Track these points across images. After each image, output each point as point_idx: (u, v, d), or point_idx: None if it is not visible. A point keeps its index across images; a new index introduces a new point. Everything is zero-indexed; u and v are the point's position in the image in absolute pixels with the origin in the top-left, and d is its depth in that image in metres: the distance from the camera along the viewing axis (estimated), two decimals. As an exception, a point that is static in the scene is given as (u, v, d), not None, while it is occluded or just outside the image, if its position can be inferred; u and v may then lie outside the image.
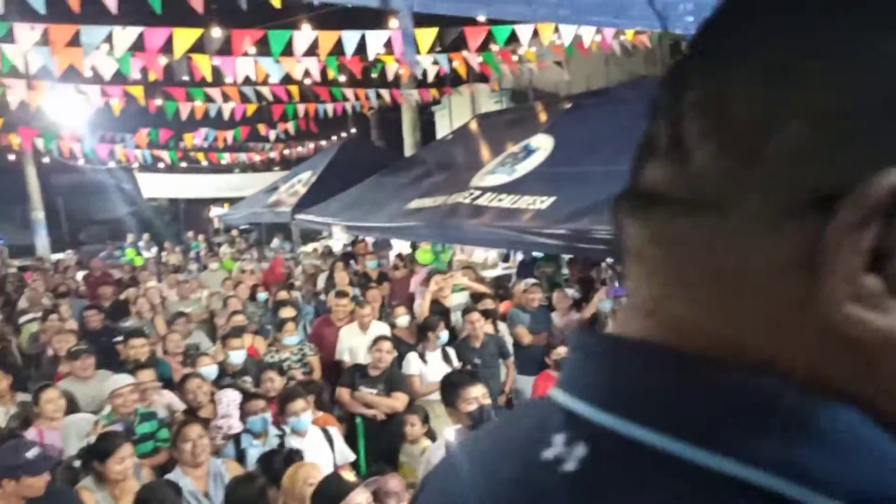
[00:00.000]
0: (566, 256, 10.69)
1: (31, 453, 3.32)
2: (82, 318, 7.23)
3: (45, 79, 8.25)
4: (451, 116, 18.88)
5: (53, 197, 23.10)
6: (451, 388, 3.21)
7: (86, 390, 5.07)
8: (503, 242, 8.40)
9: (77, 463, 3.75)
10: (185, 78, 8.54)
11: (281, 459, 3.41)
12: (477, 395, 3.15)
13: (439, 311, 6.49)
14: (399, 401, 5.12)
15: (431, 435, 4.74)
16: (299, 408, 4.16)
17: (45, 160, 17.62)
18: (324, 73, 9.19)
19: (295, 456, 3.48)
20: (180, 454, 3.76)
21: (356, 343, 6.04)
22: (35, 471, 3.25)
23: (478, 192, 8.42)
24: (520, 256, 12.16)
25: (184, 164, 18.25)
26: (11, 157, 17.86)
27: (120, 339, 6.33)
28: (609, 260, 9.34)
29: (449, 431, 2.65)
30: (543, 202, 7.20)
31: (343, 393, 5.24)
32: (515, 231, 7.24)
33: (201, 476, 3.76)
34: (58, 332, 6.62)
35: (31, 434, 4.22)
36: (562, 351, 5.31)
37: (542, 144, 8.68)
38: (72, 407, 4.77)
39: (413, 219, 9.15)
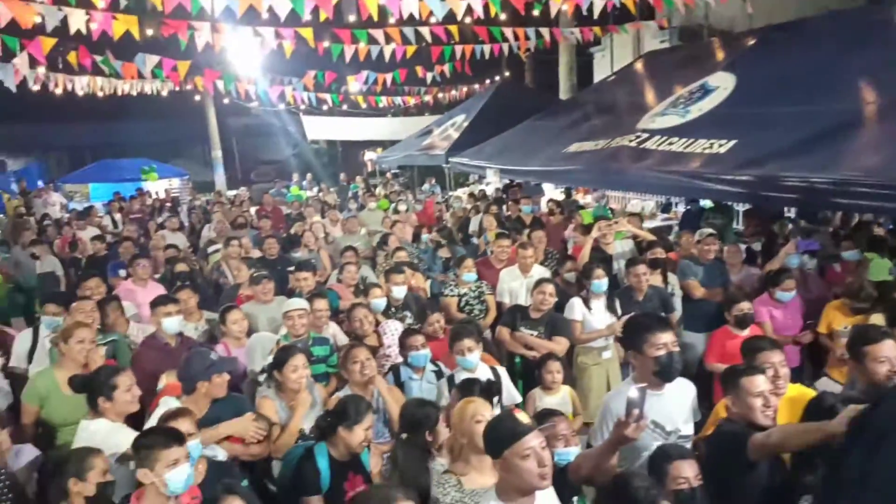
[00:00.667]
0: (739, 209, 9.89)
1: (215, 355, 3.66)
2: (260, 247, 7.76)
3: (227, 21, 8.72)
4: (612, 58, 17.90)
5: (229, 138, 25.03)
6: (638, 330, 2.98)
7: (266, 313, 5.41)
8: (672, 189, 7.86)
9: (261, 377, 4.01)
10: (352, 18, 8.65)
11: (479, 388, 3.42)
12: (667, 340, 2.92)
13: (601, 258, 6.20)
14: (560, 345, 5.00)
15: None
16: (468, 346, 4.16)
17: (225, 101, 18.96)
18: (486, 10, 8.93)
19: (493, 386, 3.47)
20: (349, 374, 3.90)
21: (516, 285, 5.96)
22: (220, 369, 3.56)
23: (644, 135, 7.88)
24: (682, 207, 11.43)
25: (344, 107, 18.91)
26: (197, 98, 19.44)
27: (292, 268, 6.71)
28: (791, 213, 8.49)
29: (631, 389, 2.45)
30: (721, 146, 6.58)
31: (503, 332, 5.18)
32: (687, 177, 6.69)
33: (369, 396, 3.89)
34: (237, 258, 7.15)
35: (218, 350, 4.57)
36: (744, 306, 4.86)
37: (722, 83, 7.91)
38: (251, 329, 5.13)
39: (572, 162, 8.81)
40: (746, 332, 4.80)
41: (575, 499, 2.89)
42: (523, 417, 2.37)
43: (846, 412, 2.28)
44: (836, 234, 7.39)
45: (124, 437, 3.19)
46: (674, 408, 3.02)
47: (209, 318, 5.47)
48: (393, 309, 5.58)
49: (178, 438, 2.79)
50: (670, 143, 7.33)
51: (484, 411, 2.81)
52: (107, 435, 3.30)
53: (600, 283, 5.19)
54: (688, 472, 2.58)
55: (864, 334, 3.14)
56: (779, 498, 2.69)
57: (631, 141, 7.91)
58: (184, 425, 3.03)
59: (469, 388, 3.39)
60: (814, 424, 2.51)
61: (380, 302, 5.39)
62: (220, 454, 3.33)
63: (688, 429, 3.10)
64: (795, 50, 7.97)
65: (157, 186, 18.68)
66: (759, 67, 7.99)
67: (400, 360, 4.61)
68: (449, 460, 2.86)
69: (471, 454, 2.76)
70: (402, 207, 12.05)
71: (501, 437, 2.33)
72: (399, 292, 5.61)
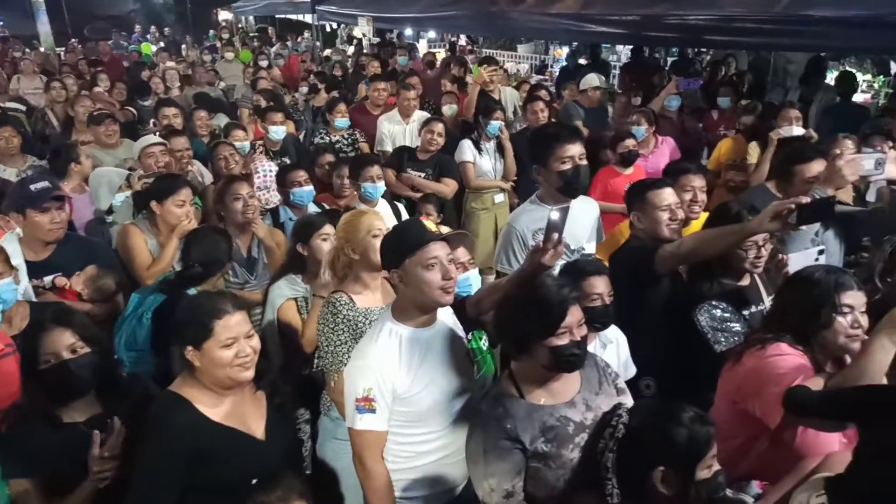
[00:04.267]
0: (615, 65, 9.89)
1: (40, 185, 2.90)
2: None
3: None
4: None
5: (54, -14, 21.42)
6: (544, 141, 2.73)
7: (111, 159, 4.67)
8: (555, 33, 7.58)
9: (109, 218, 3.42)
10: None
11: (339, 215, 3.10)
12: (574, 153, 2.69)
13: (489, 103, 5.92)
14: (448, 186, 4.76)
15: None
16: (374, 174, 3.83)
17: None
18: None
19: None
20: (228, 212, 3.40)
21: (398, 129, 5.54)
22: (39, 203, 2.83)
23: (527, -22, 7.47)
24: (557, 67, 11.33)
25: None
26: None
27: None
28: (668, 65, 8.55)
29: (552, 210, 2.17)
30: (608, -14, 6.32)
31: (388, 173, 4.79)
32: (570, 19, 6.44)
33: (247, 239, 3.45)
34: (63, 103, 6.14)
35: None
36: (630, 143, 4.76)
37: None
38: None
39: (452, 8, 8.25)
40: (630, 171, 4.75)
41: (472, 334, 2.70)
42: (430, 225, 2.07)
43: (771, 207, 2.18)
44: (709, 85, 7.54)
45: None
46: (579, 225, 2.86)
47: (37, 164, 4.63)
48: (271, 154, 5.06)
49: None
50: (555, -14, 6.97)
51: (380, 225, 2.46)
52: None
53: (497, 124, 4.91)
54: (601, 288, 2.46)
55: (798, 151, 3.07)
56: (679, 308, 2.66)
57: (513, -17, 7.47)
58: None
59: (333, 216, 3.08)
60: (732, 226, 2.42)
61: (242, 146, 4.82)
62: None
63: (591, 247, 2.98)
64: None
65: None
66: None
67: (276, 203, 4.18)
68: (335, 280, 2.54)
69: (362, 272, 2.44)
70: (262, 63, 10.91)
71: (404, 243, 2.01)
72: (277, 133, 5.05)
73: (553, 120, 5.77)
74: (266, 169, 4.28)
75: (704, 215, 3.34)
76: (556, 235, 2.07)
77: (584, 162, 2.73)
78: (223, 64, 10.23)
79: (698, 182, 3.17)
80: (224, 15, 22.30)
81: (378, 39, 12.25)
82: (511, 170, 5.00)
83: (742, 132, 5.00)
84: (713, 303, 2.55)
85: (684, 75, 7.81)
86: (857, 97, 7.87)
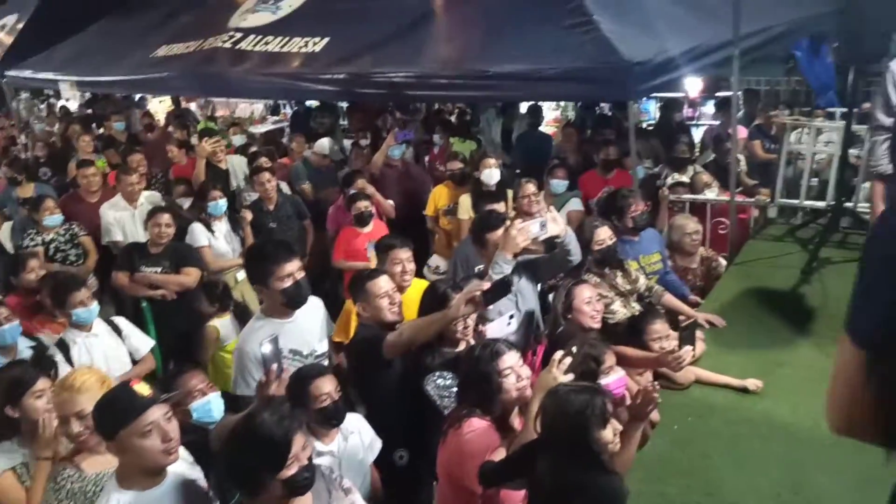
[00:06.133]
0: (344, 105, 10.23)
1: None
2: None
3: None
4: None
5: None
6: (261, 263, 2.86)
7: None
8: (274, 92, 7.68)
9: None
10: None
11: (34, 360, 2.90)
12: (292, 269, 2.83)
13: (217, 175, 5.86)
14: (190, 276, 4.57)
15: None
16: (84, 297, 3.56)
17: None
18: None
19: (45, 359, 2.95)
20: None
21: (125, 216, 5.22)
22: None
23: (238, 35, 7.40)
24: (290, 108, 11.41)
25: None
26: None
27: None
28: (390, 106, 9.08)
29: (264, 344, 2.33)
30: (316, 44, 6.57)
31: (121, 277, 4.52)
32: (288, 78, 6.61)
33: None
34: None
35: None
36: (362, 205, 5.04)
37: (309, -26, 7.78)
38: None
39: (163, 69, 7.90)
40: (368, 229, 5.04)
41: None
42: (142, 389, 2.05)
43: (461, 296, 2.60)
44: (426, 121, 8.21)
45: None
46: (307, 330, 3.03)
47: None
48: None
49: None
50: (266, 43, 7.03)
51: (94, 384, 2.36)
52: None
53: (217, 203, 4.90)
54: (328, 388, 2.56)
55: (486, 221, 3.51)
56: (411, 382, 2.99)
57: (225, 42, 7.37)
58: None
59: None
60: (436, 315, 2.81)
61: None
62: None
63: (322, 346, 3.13)
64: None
65: None
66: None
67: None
68: (57, 443, 2.41)
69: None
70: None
71: (115, 415, 1.99)
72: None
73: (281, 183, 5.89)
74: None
75: (416, 280, 3.74)
76: (275, 366, 2.22)
77: (302, 273, 2.91)
78: None
79: (404, 254, 3.58)
80: None
81: (89, 95, 11.28)
82: None
83: (451, 178, 5.59)
84: (437, 373, 2.92)
85: (404, 114, 8.45)
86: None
